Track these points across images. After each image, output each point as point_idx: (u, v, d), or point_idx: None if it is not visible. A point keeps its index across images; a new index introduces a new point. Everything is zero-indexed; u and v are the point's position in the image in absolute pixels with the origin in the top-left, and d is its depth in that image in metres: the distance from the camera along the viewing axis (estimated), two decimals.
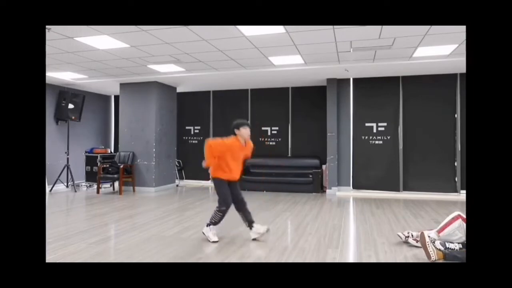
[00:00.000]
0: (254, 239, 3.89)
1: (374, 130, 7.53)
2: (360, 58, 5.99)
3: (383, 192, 7.35)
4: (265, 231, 3.90)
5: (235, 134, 3.84)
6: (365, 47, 5.26)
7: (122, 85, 8.09)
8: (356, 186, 7.61)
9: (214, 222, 3.83)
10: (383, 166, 7.45)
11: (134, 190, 7.83)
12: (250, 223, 3.92)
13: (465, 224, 3.27)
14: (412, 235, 3.70)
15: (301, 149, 8.56)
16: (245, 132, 3.81)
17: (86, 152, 8.64)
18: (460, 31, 4.46)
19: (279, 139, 8.77)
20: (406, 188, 7.35)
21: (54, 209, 5.79)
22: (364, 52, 5.59)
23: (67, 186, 8.20)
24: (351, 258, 3.40)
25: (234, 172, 3.86)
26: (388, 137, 7.45)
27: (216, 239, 3.83)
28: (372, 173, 7.50)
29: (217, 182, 3.85)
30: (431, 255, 3.14)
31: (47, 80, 7.73)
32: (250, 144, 3.99)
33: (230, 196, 3.83)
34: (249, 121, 8.84)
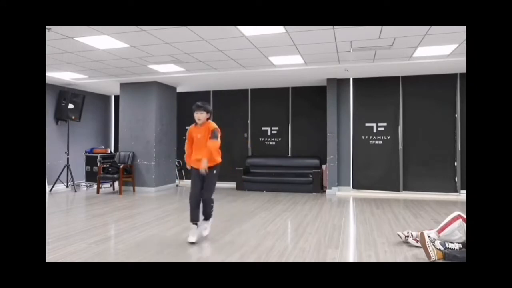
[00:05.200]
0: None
1: (374, 130, 7.52)
2: (360, 58, 5.99)
3: (383, 192, 7.35)
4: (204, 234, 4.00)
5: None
6: (365, 47, 5.26)
7: (122, 85, 8.09)
8: (356, 186, 7.61)
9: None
10: (383, 166, 7.45)
11: (134, 190, 7.83)
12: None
13: (465, 224, 3.27)
14: (412, 235, 3.70)
15: (301, 149, 8.55)
16: (195, 116, 4.08)
17: (86, 152, 8.64)
18: (460, 31, 4.46)
19: (279, 139, 8.77)
20: (406, 188, 7.34)
21: (54, 209, 5.79)
22: (364, 52, 5.59)
23: (67, 186, 8.20)
24: (351, 258, 3.40)
25: (194, 156, 3.99)
26: (388, 137, 7.45)
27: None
28: (372, 173, 7.50)
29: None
30: (431, 255, 3.14)
31: (47, 80, 7.73)
32: (207, 125, 4.06)
33: (193, 189, 3.90)
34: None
